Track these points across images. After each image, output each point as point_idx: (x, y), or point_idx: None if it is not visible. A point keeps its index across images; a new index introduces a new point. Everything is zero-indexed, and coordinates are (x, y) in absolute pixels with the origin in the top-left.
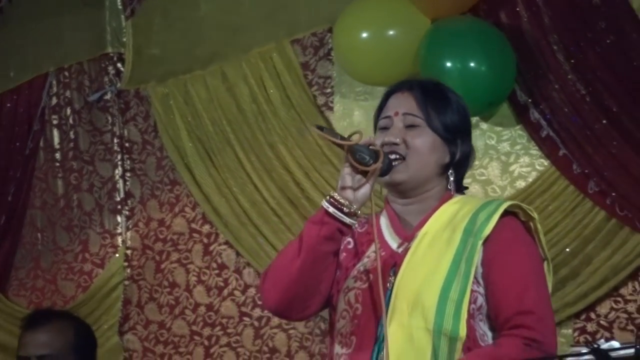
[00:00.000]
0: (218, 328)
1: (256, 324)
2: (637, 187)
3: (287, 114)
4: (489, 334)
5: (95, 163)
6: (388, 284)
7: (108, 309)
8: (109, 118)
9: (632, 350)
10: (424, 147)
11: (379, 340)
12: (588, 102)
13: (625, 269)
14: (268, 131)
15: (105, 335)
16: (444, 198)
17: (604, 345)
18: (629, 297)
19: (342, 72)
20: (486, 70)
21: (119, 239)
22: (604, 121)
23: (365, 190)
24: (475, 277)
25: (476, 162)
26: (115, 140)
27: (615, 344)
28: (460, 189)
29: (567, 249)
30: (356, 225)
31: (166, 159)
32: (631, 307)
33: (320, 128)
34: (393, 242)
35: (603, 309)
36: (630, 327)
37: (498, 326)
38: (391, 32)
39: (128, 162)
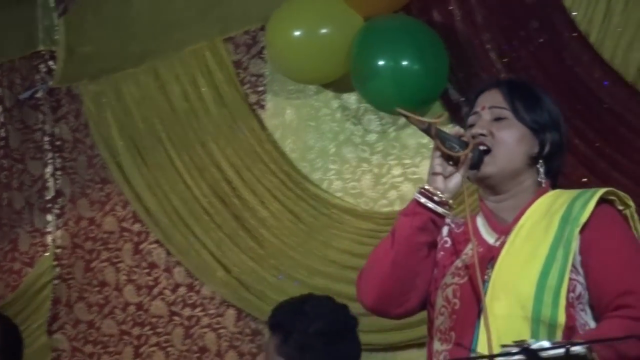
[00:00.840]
0: (148, 327)
1: (186, 323)
2: (569, 186)
3: (219, 112)
4: (592, 323)
5: (25, 161)
6: (486, 277)
7: (37, 308)
8: (40, 116)
9: (562, 350)
10: (511, 138)
11: (477, 333)
12: None
13: None
14: (200, 129)
15: (33, 335)
16: (539, 192)
17: (534, 345)
18: None
19: (274, 71)
20: (419, 68)
21: (49, 238)
22: None
23: (456, 180)
24: (573, 266)
25: (408, 161)
26: (46, 139)
27: (545, 343)
28: (556, 182)
29: None
30: (450, 215)
31: (97, 157)
32: None
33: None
34: (490, 238)
35: None
36: None
37: (601, 312)
38: (324, 31)
39: (59, 160)
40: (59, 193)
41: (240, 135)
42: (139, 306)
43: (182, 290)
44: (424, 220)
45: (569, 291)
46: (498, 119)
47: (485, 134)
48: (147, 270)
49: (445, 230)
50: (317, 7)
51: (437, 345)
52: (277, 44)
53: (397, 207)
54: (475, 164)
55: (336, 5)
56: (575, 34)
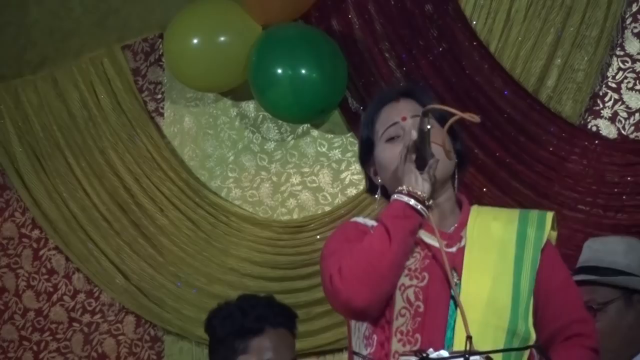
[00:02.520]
0: (47, 333)
1: (85, 329)
2: (469, 196)
3: (118, 119)
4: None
5: None
6: (455, 282)
7: None
8: None
9: (461, 359)
10: (445, 143)
11: (450, 336)
12: None
13: None
14: (98, 137)
15: None
16: (465, 206)
17: (433, 355)
18: None
19: (172, 78)
20: (317, 77)
21: None
22: None
23: (428, 184)
24: None
25: (307, 169)
26: None
27: (444, 353)
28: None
29: None
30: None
31: None
32: None
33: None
34: (435, 242)
35: None
36: None
37: (549, 333)
38: (222, 39)
39: None
40: None
41: (138, 143)
42: (39, 312)
43: (81, 296)
44: (415, 224)
45: None
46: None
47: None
48: (46, 277)
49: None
50: (216, 15)
51: (396, 346)
52: (175, 52)
53: (296, 216)
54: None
55: (235, 14)
56: (475, 43)
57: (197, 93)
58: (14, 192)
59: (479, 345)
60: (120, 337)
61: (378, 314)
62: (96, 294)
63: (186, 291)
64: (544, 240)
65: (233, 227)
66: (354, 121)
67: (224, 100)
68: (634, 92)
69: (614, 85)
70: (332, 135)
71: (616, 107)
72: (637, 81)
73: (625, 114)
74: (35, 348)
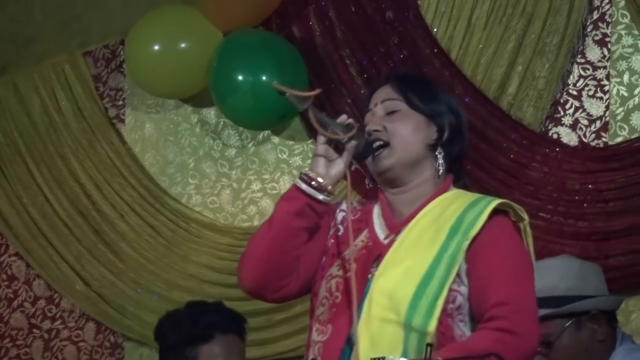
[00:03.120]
0: (7, 340)
1: (46, 336)
2: None
3: (79, 126)
4: (469, 334)
5: None
6: (370, 275)
7: None
8: None
9: None
10: (407, 128)
11: (352, 335)
12: None
13: None
14: (59, 143)
15: None
16: (440, 189)
17: None
18: None
19: (133, 85)
20: (278, 83)
21: None
22: None
23: (339, 166)
24: (458, 275)
25: (267, 176)
26: None
27: None
28: (460, 173)
29: None
30: (328, 200)
31: None
32: None
33: (282, 92)
34: (381, 233)
35: None
36: None
37: (478, 322)
38: (183, 45)
39: None
40: None
41: (99, 149)
42: None
43: (41, 302)
44: (301, 205)
45: (448, 302)
46: (391, 112)
47: (379, 129)
48: (6, 283)
49: (339, 216)
50: (177, 22)
51: (314, 336)
52: (136, 58)
53: (257, 222)
54: (363, 153)
55: (196, 20)
56: (436, 50)
57: (158, 99)
58: None
59: (378, 343)
60: (81, 344)
61: (276, 297)
62: (56, 300)
63: (147, 297)
64: (473, 234)
65: (193, 233)
66: (314, 128)
67: (185, 106)
68: (594, 99)
69: (575, 93)
70: (292, 142)
71: (577, 114)
72: (598, 89)
73: (586, 122)
74: None
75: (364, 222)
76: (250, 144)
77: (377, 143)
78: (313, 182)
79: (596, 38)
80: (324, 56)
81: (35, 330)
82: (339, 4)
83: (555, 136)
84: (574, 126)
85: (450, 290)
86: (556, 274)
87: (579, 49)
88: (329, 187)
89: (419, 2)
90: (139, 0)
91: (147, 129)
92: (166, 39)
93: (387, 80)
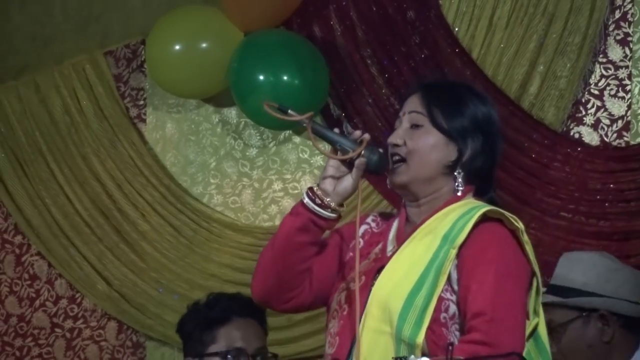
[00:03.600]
0: (30, 339)
1: (68, 335)
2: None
3: (100, 125)
4: None
5: None
6: (371, 287)
7: None
8: None
9: None
10: (425, 146)
11: (354, 343)
12: None
13: None
14: (80, 143)
15: None
16: (449, 201)
17: None
18: None
19: (154, 84)
20: (299, 83)
21: None
22: None
23: (346, 183)
24: (450, 285)
25: (289, 176)
26: None
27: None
28: (487, 189)
29: None
30: (333, 217)
31: None
32: None
33: (284, 109)
34: (390, 245)
35: None
36: None
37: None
38: (204, 45)
39: None
40: None
41: (120, 149)
42: (21, 318)
43: (63, 302)
44: (304, 221)
45: (441, 311)
46: (415, 126)
47: (400, 143)
48: (28, 282)
49: (362, 229)
50: (197, 22)
51: (326, 348)
52: (156, 58)
53: (278, 222)
54: (376, 168)
55: (216, 20)
56: (457, 50)
57: (179, 99)
58: None
59: (372, 355)
60: (103, 343)
61: (285, 307)
62: (78, 300)
63: (168, 297)
64: (459, 241)
65: (215, 233)
66: (335, 127)
67: (206, 106)
68: (616, 99)
69: (596, 92)
70: None
71: (599, 114)
72: (620, 88)
73: (607, 121)
74: (17, 354)
75: (382, 234)
76: (271, 144)
77: (395, 158)
78: (317, 199)
79: (618, 37)
80: (345, 56)
81: (57, 330)
82: (359, 4)
83: (576, 136)
84: (595, 126)
85: (442, 299)
86: (580, 267)
87: (601, 49)
88: (333, 205)
89: (440, 1)
90: (159, 0)
91: (168, 129)
92: (187, 38)
93: (418, 88)
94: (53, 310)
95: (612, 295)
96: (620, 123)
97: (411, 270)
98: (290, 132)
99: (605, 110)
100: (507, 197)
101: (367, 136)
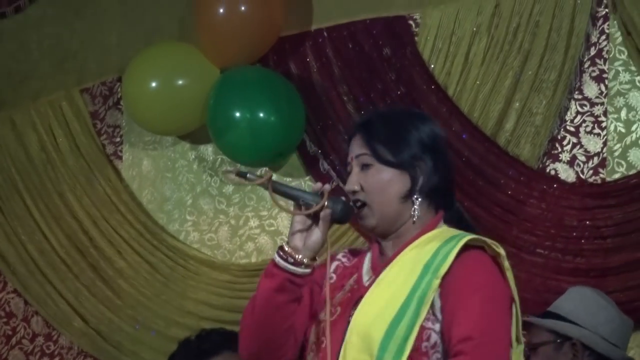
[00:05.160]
0: None
1: None
2: None
3: (76, 162)
4: None
5: None
6: (350, 317)
7: None
8: None
9: None
10: (380, 184)
11: None
12: None
13: None
14: (57, 180)
15: None
16: (425, 229)
17: None
18: None
19: (131, 121)
20: (275, 120)
21: None
22: None
23: (315, 237)
24: (433, 313)
25: (265, 213)
26: None
27: None
28: (451, 203)
29: None
30: (307, 272)
31: None
32: None
33: (242, 174)
34: (366, 275)
35: None
36: None
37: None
38: (180, 82)
39: None
40: None
41: (97, 186)
42: None
43: (40, 339)
44: (280, 281)
45: (422, 340)
46: (365, 167)
47: (357, 189)
48: (4, 320)
49: (333, 265)
50: (174, 59)
51: None
52: (133, 95)
53: (254, 259)
54: (342, 217)
55: (192, 57)
56: (433, 87)
57: (155, 136)
58: None
59: None
60: None
61: None
62: (55, 337)
63: (145, 334)
64: (442, 271)
65: (191, 270)
66: (312, 165)
67: (182, 143)
68: (592, 135)
69: (572, 129)
70: (290, 179)
71: (575, 150)
72: (596, 125)
73: (583, 158)
74: None
75: (355, 267)
76: None
77: (358, 204)
78: (289, 258)
79: (593, 74)
80: (322, 93)
81: None
82: (336, 41)
83: (552, 172)
84: (571, 162)
85: (424, 328)
86: (573, 298)
87: (576, 85)
88: (306, 260)
89: (416, 38)
90: (135, 37)
91: (144, 166)
92: (163, 75)
93: (357, 129)
94: (29, 347)
95: (590, 328)
96: (596, 160)
97: (392, 300)
98: (267, 169)
99: (581, 147)
100: (483, 234)
101: (327, 187)
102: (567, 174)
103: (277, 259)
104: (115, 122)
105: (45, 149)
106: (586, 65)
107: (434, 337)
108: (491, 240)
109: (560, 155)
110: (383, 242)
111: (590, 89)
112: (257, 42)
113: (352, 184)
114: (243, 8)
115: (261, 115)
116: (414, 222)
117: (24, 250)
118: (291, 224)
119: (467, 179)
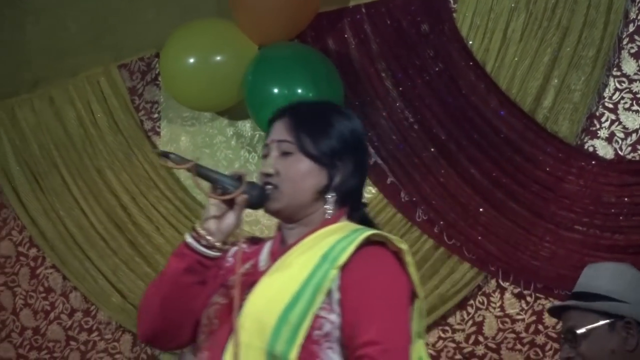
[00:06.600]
0: (45, 352)
1: (82, 348)
2: (465, 216)
3: (114, 138)
4: None
5: None
6: (245, 301)
7: None
8: None
9: None
10: (297, 174)
11: (223, 358)
12: (416, 130)
13: (453, 298)
14: (95, 156)
15: None
16: (324, 223)
17: None
18: (456, 327)
19: (169, 97)
20: (313, 96)
21: None
22: (432, 149)
23: (230, 220)
24: (329, 304)
25: None
26: None
27: None
28: (357, 205)
29: None
30: (218, 255)
31: None
32: (459, 337)
33: (166, 154)
34: (263, 261)
35: (431, 337)
36: (458, 356)
37: (348, 354)
38: (218, 58)
39: None
40: None
41: (135, 162)
42: (36, 330)
43: (78, 315)
44: (190, 262)
45: (314, 329)
46: (285, 154)
47: (272, 172)
48: (43, 295)
49: (232, 250)
50: (211, 35)
51: None
52: (171, 71)
53: None
54: (257, 202)
55: (230, 33)
56: (471, 63)
57: (193, 112)
58: (11, 211)
59: None
60: (117, 356)
61: (173, 346)
62: (93, 313)
63: None
64: (340, 262)
65: None
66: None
67: (220, 119)
68: (630, 112)
69: (610, 106)
70: None
71: (613, 127)
72: (634, 101)
73: (622, 135)
74: None
75: (254, 253)
76: None
77: (268, 187)
78: (202, 240)
79: (632, 51)
80: (359, 69)
81: (72, 343)
82: (374, 17)
83: (591, 149)
84: (609, 139)
85: (318, 317)
86: (606, 275)
87: (615, 62)
88: (218, 244)
89: (454, 15)
90: (173, 13)
91: (182, 142)
92: (201, 51)
93: (285, 113)
94: (68, 323)
95: (639, 304)
96: (634, 136)
97: (286, 287)
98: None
99: (620, 123)
100: (522, 211)
101: (243, 171)
102: (605, 151)
103: (189, 239)
104: (153, 98)
105: (83, 125)
106: (625, 42)
107: (327, 327)
108: (392, 235)
109: (598, 132)
110: (286, 229)
111: (629, 66)
112: (295, 18)
113: (269, 166)
114: None
115: (299, 91)
116: (325, 217)
117: (63, 226)
118: (206, 207)
119: (505, 155)
